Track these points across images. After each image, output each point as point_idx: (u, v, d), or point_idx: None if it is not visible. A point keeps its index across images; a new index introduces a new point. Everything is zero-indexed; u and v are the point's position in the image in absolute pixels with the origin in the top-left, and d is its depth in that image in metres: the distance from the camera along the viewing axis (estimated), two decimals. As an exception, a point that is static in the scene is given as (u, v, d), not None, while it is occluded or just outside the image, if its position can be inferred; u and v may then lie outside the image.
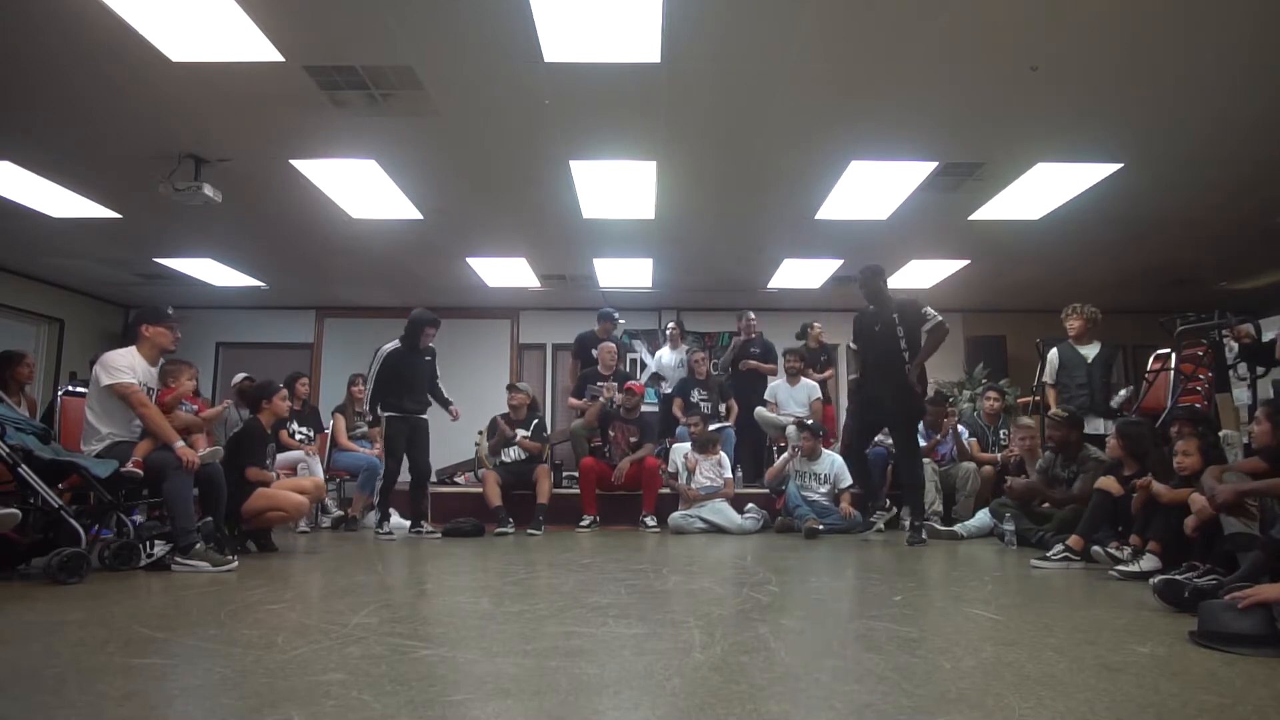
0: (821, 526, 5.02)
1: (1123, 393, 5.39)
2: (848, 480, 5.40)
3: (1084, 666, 1.83)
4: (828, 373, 7.10)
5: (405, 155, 4.91)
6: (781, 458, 5.77)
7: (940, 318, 4.63)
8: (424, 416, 5.33)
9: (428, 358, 5.38)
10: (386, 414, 5.19)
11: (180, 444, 3.54)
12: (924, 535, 4.53)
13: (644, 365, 9.32)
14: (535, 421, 5.92)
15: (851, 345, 5.13)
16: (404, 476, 5.35)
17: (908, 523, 5.01)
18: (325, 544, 4.72)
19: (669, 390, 6.97)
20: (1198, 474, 3.23)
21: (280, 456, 5.03)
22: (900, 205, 5.71)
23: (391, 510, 5.52)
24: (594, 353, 6.81)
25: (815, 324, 7.31)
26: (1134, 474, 3.74)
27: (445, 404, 5.45)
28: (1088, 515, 3.72)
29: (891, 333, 4.58)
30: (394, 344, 5.24)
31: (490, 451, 5.89)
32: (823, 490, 5.41)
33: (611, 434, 5.84)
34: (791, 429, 5.96)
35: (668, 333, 7.57)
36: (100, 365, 3.58)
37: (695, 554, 4.20)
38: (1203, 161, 4.93)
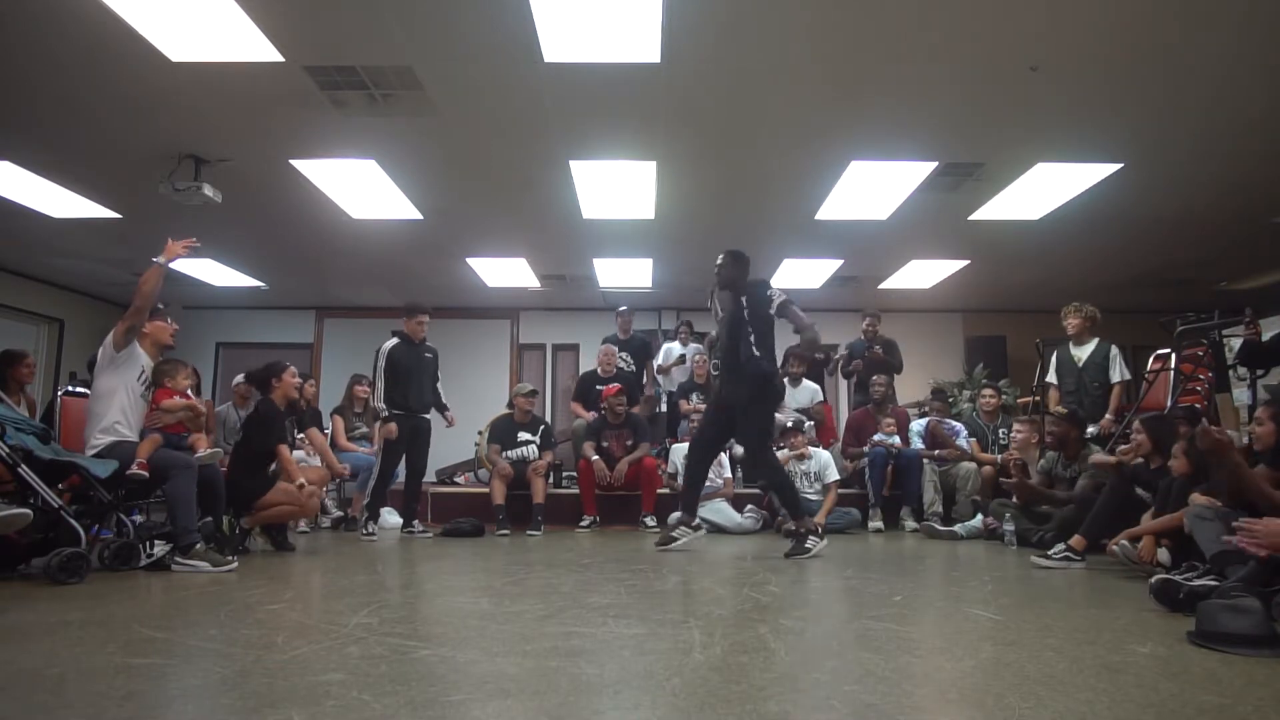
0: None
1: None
2: (834, 475, 5.34)
3: (1084, 666, 1.83)
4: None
5: (405, 155, 4.91)
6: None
7: (784, 296, 3.98)
8: (426, 416, 5.29)
9: (428, 355, 5.30)
10: (391, 411, 5.17)
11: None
12: (808, 545, 3.81)
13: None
14: (543, 428, 5.91)
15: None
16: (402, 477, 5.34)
17: (787, 527, 4.32)
18: (325, 544, 4.72)
19: (671, 389, 6.98)
20: (1189, 477, 3.23)
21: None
22: (900, 205, 5.71)
23: (390, 510, 5.50)
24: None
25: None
26: (1159, 466, 3.71)
27: (442, 409, 5.42)
28: (1090, 516, 3.72)
29: (738, 318, 3.95)
30: (394, 340, 5.20)
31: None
32: (814, 490, 5.38)
33: (606, 445, 5.82)
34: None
35: (684, 331, 7.55)
36: (104, 344, 3.59)
37: (695, 554, 4.20)
38: (1202, 161, 4.94)
